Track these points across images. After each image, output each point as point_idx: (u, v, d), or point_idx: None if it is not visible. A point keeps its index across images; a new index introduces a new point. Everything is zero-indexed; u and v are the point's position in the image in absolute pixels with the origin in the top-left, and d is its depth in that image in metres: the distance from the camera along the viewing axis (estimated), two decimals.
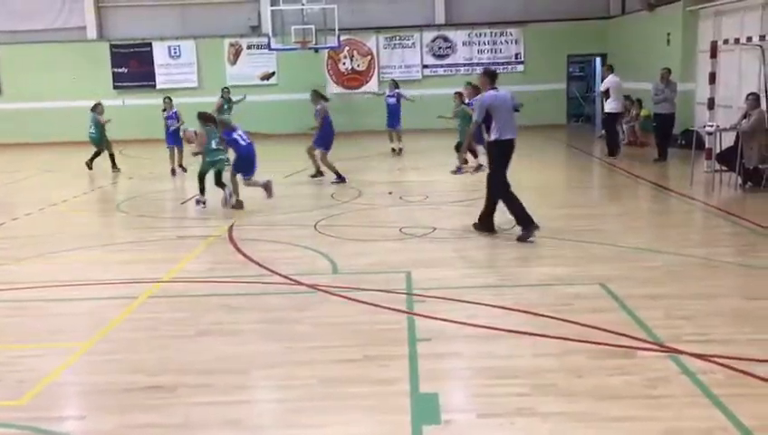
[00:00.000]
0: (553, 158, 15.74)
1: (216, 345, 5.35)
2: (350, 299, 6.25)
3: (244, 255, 7.93)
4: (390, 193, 11.46)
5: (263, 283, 6.88)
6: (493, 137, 8.23)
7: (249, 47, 21.81)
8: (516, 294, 6.25)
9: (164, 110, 15.12)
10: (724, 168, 11.40)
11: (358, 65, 22.02)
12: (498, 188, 8.27)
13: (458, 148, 13.06)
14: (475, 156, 13.07)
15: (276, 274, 7.11)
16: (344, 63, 22.00)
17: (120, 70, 21.89)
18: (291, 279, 6.91)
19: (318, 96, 13.00)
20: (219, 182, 10.68)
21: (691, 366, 4.63)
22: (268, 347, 5.30)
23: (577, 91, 22.97)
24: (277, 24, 20.05)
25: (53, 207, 11.38)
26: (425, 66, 21.91)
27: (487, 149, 8.68)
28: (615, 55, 20.70)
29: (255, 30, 21.74)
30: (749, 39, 11.80)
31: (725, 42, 12.48)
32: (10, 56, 21.68)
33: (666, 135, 14.21)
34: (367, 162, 15.53)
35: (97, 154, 15.12)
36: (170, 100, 15.28)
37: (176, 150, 14.61)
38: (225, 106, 17.70)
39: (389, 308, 5.96)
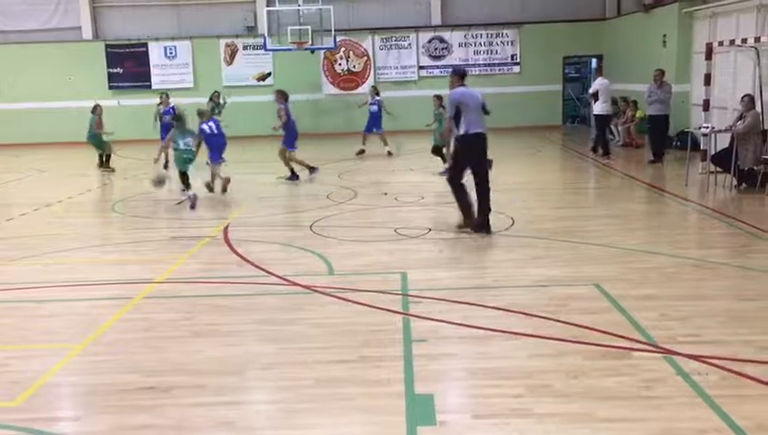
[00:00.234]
0: (549, 159, 15.77)
1: (211, 346, 5.34)
2: (345, 300, 6.25)
3: (240, 255, 7.92)
4: (386, 194, 11.46)
5: (258, 283, 6.87)
6: (461, 131, 8.35)
7: (245, 48, 21.81)
8: (511, 295, 6.25)
9: (159, 104, 15.15)
10: (718, 169, 11.43)
11: (354, 66, 22.03)
12: (453, 181, 8.58)
13: (434, 151, 13.47)
14: (444, 160, 13.17)
15: (272, 274, 7.10)
16: (340, 64, 22.00)
17: (115, 70, 21.86)
18: (286, 280, 6.90)
19: (282, 95, 13.21)
20: (185, 182, 11.20)
21: (686, 367, 4.64)
22: (263, 348, 5.29)
23: (572, 93, 23.02)
24: (273, 25, 20.08)
25: (48, 207, 11.36)
26: (421, 67, 21.93)
27: (455, 145, 8.74)
28: (611, 57, 20.78)
29: (251, 30, 21.73)
30: (744, 41, 11.84)
31: (720, 43, 12.51)
32: (5, 56, 21.62)
33: (659, 136, 14.22)
34: (364, 163, 15.52)
35: (102, 155, 15.20)
36: (167, 96, 15.44)
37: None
38: (216, 111, 17.85)
39: (385, 309, 5.96)
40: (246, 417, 4.30)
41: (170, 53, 21.83)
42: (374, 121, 16.59)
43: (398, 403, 4.31)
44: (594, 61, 21.71)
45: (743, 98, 11.25)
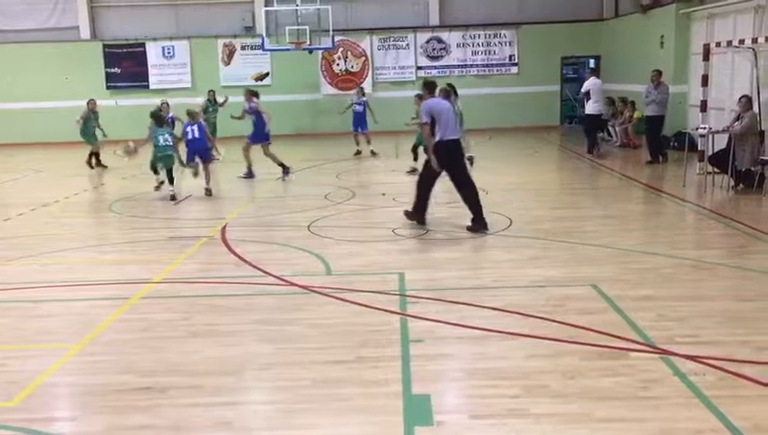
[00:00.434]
0: (546, 159, 15.77)
1: (208, 346, 5.34)
2: (343, 300, 6.25)
3: (237, 255, 7.91)
4: (383, 194, 11.46)
5: (256, 284, 6.87)
6: (437, 138, 8.68)
7: (243, 48, 21.79)
8: (509, 296, 6.26)
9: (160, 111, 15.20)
10: (716, 170, 11.44)
11: (352, 66, 22.02)
12: (422, 179, 9.02)
13: (414, 149, 13.51)
14: (416, 159, 13.15)
15: (269, 274, 7.10)
16: (338, 64, 21.99)
17: (113, 70, 21.84)
18: (284, 280, 6.90)
19: (252, 94, 13.55)
20: (170, 179, 11.64)
21: (683, 367, 4.65)
22: (260, 348, 5.28)
23: (570, 93, 23.03)
24: (271, 25, 20.10)
25: (45, 207, 11.34)
26: (419, 67, 21.91)
27: (432, 151, 8.94)
28: (609, 57, 20.80)
29: (249, 30, 21.71)
30: (741, 42, 11.85)
31: (718, 44, 12.52)
32: (2, 56, 21.57)
33: (655, 137, 14.22)
34: (362, 163, 15.52)
35: (92, 153, 15.34)
36: (167, 104, 15.87)
37: None
38: (210, 108, 18.02)
39: (382, 309, 5.96)
40: (244, 417, 4.30)
41: (168, 52, 21.81)
42: (359, 121, 16.64)
43: (396, 403, 4.31)
44: (592, 61, 21.72)
45: (740, 99, 11.25)
